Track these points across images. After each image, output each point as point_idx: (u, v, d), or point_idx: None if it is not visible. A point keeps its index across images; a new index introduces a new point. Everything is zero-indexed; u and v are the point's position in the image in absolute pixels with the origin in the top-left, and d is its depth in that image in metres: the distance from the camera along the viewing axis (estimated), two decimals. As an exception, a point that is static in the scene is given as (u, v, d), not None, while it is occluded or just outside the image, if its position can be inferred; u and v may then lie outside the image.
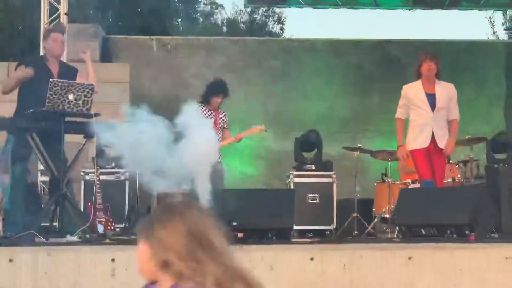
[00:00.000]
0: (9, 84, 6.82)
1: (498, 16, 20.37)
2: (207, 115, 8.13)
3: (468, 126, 9.84)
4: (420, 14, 11.31)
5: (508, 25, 20.36)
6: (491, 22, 19.89)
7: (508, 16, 20.59)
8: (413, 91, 7.26)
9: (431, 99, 7.18)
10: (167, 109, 11.00)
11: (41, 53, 8.09)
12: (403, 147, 7.29)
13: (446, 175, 8.22)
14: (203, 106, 8.09)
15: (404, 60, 11.80)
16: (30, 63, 6.79)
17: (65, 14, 10.03)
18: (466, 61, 11.67)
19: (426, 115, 7.15)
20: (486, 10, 14.06)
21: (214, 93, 8.10)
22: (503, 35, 20.39)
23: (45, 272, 5.02)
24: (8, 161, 6.60)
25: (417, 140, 7.17)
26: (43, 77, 6.52)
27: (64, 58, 9.81)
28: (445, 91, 7.24)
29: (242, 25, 23.43)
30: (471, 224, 6.11)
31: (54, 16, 10.11)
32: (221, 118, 8.22)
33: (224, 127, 8.24)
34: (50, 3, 10.12)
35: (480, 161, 8.76)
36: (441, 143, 7.13)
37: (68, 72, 6.93)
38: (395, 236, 7.32)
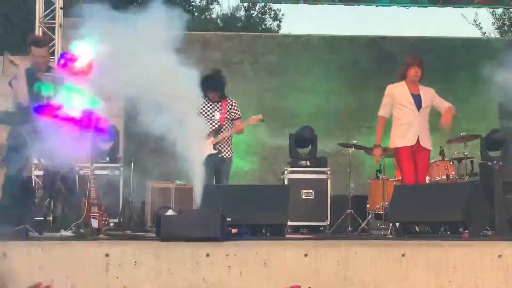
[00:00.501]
0: (22, 92, 6.77)
1: (482, 16, 20.44)
2: (209, 109, 8.10)
3: (462, 123, 9.86)
4: (414, 11, 11.28)
5: (498, 24, 20.41)
6: (477, 24, 19.94)
7: (497, 15, 20.61)
8: (399, 90, 7.52)
9: (417, 99, 7.46)
10: (160, 103, 10.94)
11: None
12: (379, 148, 7.68)
13: (440, 172, 8.25)
14: (206, 102, 8.10)
15: (399, 56, 11.77)
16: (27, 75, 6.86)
17: (61, 8, 10.02)
18: (461, 58, 11.67)
19: (412, 114, 7.41)
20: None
21: (207, 90, 7.94)
22: (494, 34, 20.41)
23: (39, 267, 5.03)
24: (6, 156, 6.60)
25: (404, 137, 7.40)
26: (32, 87, 6.59)
27: (58, 51, 9.81)
28: (428, 92, 7.57)
29: (238, 21, 23.40)
30: (465, 221, 6.13)
31: (49, 9, 10.09)
32: (228, 108, 8.16)
33: (233, 118, 8.19)
34: (45, -3, 10.09)
35: (475, 158, 8.78)
36: (425, 142, 7.40)
37: (54, 81, 6.93)
38: (389, 232, 7.34)
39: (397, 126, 7.50)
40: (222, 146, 8.13)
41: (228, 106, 8.18)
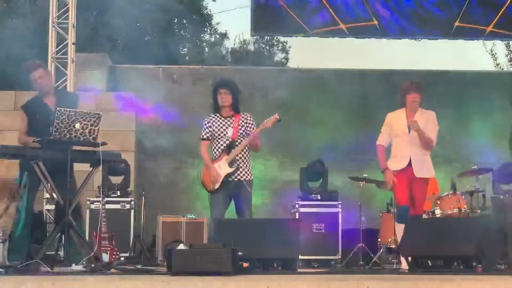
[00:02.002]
0: (24, 142, 6.85)
1: (499, 47, 20.42)
2: (219, 124, 7.18)
3: (474, 156, 9.84)
4: (425, 43, 11.33)
5: (511, 56, 20.39)
6: (492, 54, 19.92)
7: (511, 47, 20.62)
8: (396, 119, 7.45)
9: (413, 129, 7.34)
10: (171, 138, 11.01)
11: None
12: (389, 171, 7.40)
13: (451, 206, 8.21)
14: (215, 116, 7.22)
15: (409, 90, 11.82)
16: (28, 107, 6.93)
17: (73, 43, 10.13)
18: (472, 92, 11.67)
19: (404, 144, 7.34)
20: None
21: (216, 89, 7.21)
22: (506, 66, 20.41)
23: (50, 301, 5.00)
24: (19, 190, 6.64)
25: (394, 161, 7.38)
26: (42, 114, 6.67)
27: (71, 86, 9.90)
28: (423, 116, 7.39)
29: (247, 54, 23.55)
30: (478, 255, 6.09)
31: (61, 45, 10.19)
32: (243, 123, 7.16)
33: (248, 134, 7.13)
34: (58, 33, 10.21)
35: (486, 191, 8.74)
36: (418, 172, 7.28)
37: (66, 99, 6.99)
38: (401, 267, 7.28)
39: (392, 156, 7.48)
40: (240, 164, 7.12)
41: (242, 121, 7.17)
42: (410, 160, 7.29)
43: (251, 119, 7.24)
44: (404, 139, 7.34)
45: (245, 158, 7.20)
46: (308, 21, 10.98)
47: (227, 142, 7.12)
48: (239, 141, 7.13)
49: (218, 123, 7.19)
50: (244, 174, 7.15)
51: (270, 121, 7.19)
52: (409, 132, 7.32)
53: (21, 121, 6.91)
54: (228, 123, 7.17)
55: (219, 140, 7.16)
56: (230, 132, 7.12)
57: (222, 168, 7.08)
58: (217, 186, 7.05)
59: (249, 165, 7.25)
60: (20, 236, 6.61)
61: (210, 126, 7.18)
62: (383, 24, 10.99)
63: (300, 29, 11.07)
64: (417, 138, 7.31)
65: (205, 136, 7.22)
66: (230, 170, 7.06)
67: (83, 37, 15.90)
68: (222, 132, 7.15)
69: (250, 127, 7.18)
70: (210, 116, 7.26)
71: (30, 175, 6.59)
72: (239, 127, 7.14)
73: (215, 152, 7.18)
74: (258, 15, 10.94)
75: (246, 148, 7.19)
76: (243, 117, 7.20)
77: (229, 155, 7.08)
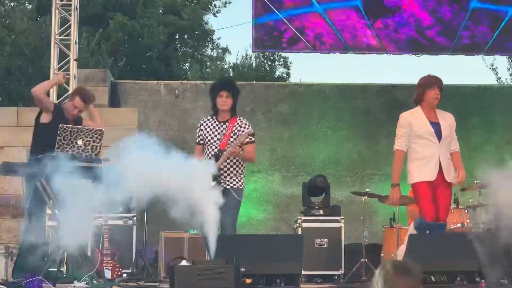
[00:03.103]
0: (43, 87, 6.99)
1: (500, 62, 20.45)
2: (213, 129, 6.71)
3: (476, 171, 9.82)
4: (425, 58, 11.37)
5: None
6: (493, 69, 19.93)
7: (513, 61, 20.66)
8: (416, 120, 6.59)
9: (437, 128, 6.57)
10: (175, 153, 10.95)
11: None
12: (398, 188, 6.67)
13: (454, 221, 8.19)
14: (210, 120, 6.77)
15: (411, 104, 11.82)
16: (59, 110, 7.02)
17: (75, 60, 10.15)
18: (473, 105, 11.69)
19: (433, 146, 6.51)
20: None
21: (215, 94, 6.69)
22: (507, 81, 20.41)
23: (53, 319, 4.99)
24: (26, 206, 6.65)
25: (423, 172, 6.49)
26: (58, 124, 6.68)
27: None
28: (447, 119, 6.67)
29: (248, 69, 23.61)
30: (482, 270, 6.06)
31: (64, 61, 10.23)
32: (235, 131, 6.63)
33: (243, 143, 6.56)
34: (60, 49, 10.24)
35: (489, 206, 8.72)
36: (448, 175, 6.54)
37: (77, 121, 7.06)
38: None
39: (414, 160, 6.54)
40: (228, 172, 6.61)
41: (236, 128, 6.63)
42: (440, 165, 6.47)
43: (246, 124, 6.69)
44: (431, 140, 6.49)
45: (235, 165, 6.63)
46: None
47: (217, 149, 6.61)
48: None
49: (212, 127, 6.70)
50: (232, 182, 6.61)
51: (243, 137, 6.54)
52: (436, 133, 6.49)
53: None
54: (222, 128, 6.66)
55: (209, 146, 6.67)
56: (221, 139, 6.61)
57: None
58: None
59: (241, 172, 6.68)
60: (24, 252, 6.60)
61: (202, 130, 6.74)
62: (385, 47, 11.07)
63: (301, 46, 11.11)
64: (448, 143, 6.55)
65: (196, 140, 6.87)
66: (212, 183, 6.34)
67: (85, 53, 15.96)
68: (213, 138, 6.67)
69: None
70: (205, 118, 6.83)
71: (34, 191, 6.59)
72: (232, 134, 6.61)
73: (206, 158, 6.68)
74: (259, 31, 10.98)
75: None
76: (238, 123, 6.67)
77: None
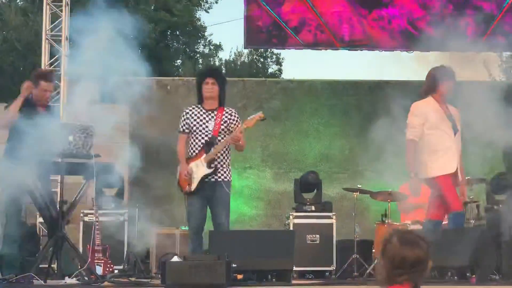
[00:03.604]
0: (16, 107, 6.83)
1: (491, 58, 20.48)
2: (201, 117, 6.61)
3: (467, 166, 9.83)
4: (417, 55, 11.37)
5: (505, 66, 20.48)
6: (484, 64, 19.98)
7: (504, 57, 20.72)
8: (432, 110, 6.33)
9: (452, 120, 6.41)
10: (166, 150, 10.99)
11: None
12: (418, 181, 6.40)
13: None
14: (195, 108, 6.68)
15: (402, 100, 11.83)
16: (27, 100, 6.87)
17: (66, 56, 10.12)
18: (464, 101, 11.69)
19: (448, 139, 6.33)
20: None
21: (201, 79, 6.66)
22: (499, 77, 20.48)
23: (44, 315, 4.98)
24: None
25: (443, 165, 6.30)
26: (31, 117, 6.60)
27: (64, 98, 9.89)
28: (457, 114, 6.51)
29: (241, 66, 23.60)
30: (472, 266, 6.08)
31: (55, 57, 10.19)
32: (226, 118, 6.57)
33: (231, 131, 6.54)
34: (51, 45, 10.21)
35: (480, 202, 8.74)
36: (461, 174, 6.42)
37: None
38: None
39: (431, 152, 6.31)
40: (219, 164, 6.55)
41: (226, 116, 6.56)
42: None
43: (236, 115, 6.65)
44: (446, 132, 6.29)
45: (224, 157, 6.60)
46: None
47: (208, 137, 6.53)
48: (220, 137, 6.53)
49: (199, 115, 6.59)
50: (222, 175, 6.55)
51: (253, 120, 6.54)
52: (452, 126, 6.32)
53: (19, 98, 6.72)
54: (210, 116, 6.56)
55: (198, 135, 6.57)
56: (211, 126, 6.51)
57: (200, 168, 6.50)
58: (193, 187, 6.51)
59: (229, 165, 6.65)
60: (7, 250, 6.54)
61: (188, 118, 6.64)
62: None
63: (293, 42, 11.10)
64: (458, 132, 6.39)
65: (181, 129, 6.69)
66: (208, 171, 6.47)
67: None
68: (202, 126, 6.56)
69: (234, 124, 6.58)
70: (189, 107, 6.71)
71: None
72: (222, 122, 6.52)
73: (193, 148, 6.63)
74: (251, 27, 10.96)
75: (228, 146, 6.58)
76: (227, 112, 6.60)
77: (208, 154, 6.49)
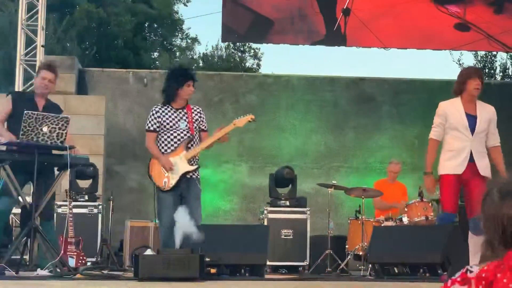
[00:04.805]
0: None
1: (467, 57, 20.66)
2: (172, 116, 6.63)
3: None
4: (393, 52, 11.44)
5: (479, 66, 20.62)
6: (460, 64, 20.13)
7: (479, 57, 20.88)
8: (453, 110, 6.44)
9: (472, 121, 6.41)
10: (142, 142, 11.01)
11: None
12: (431, 176, 6.49)
13: (419, 213, 8.26)
14: (165, 107, 6.67)
15: (378, 98, 11.93)
16: (18, 98, 6.81)
17: (42, 46, 10.05)
18: (440, 100, 11.76)
19: (464, 139, 6.37)
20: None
21: (182, 82, 6.62)
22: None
23: (15, 306, 4.95)
24: None
25: (450, 165, 6.37)
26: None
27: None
28: (485, 113, 6.47)
29: (218, 60, 23.58)
30: (444, 263, 6.13)
31: (30, 47, 10.12)
32: (195, 117, 6.68)
33: (201, 129, 6.70)
34: (27, 35, 10.13)
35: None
36: (483, 170, 6.34)
37: (52, 109, 6.89)
38: (368, 273, 7.32)
39: (446, 151, 6.42)
40: (196, 162, 6.65)
41: (194, 113, 6.68)
42: (471, 158, 6.32)
43: (203, 113, 6.76)
44: (463, 133, 6.35)
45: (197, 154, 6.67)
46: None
47: (183, 136, 6.56)
48: (196, 136, 6.63)
49: (170, 114, 6.62)
50: (196, 172, 6.63)
51: (243, 120, 6.74)
52: (471, 127, 6.35)
53: (4, 106, 6.68)
54: (180, 115, 6.63)
55: (169, 133, 6.58)
56: (183, 125, 6.58)
57: (180, 165, 6.49)
58: (173, 183, 6.48)
59: (198, 161, 6.69)
60: None
61: (159, 117, 6.62)
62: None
63: (271, 37, 11.11)
64: (482, 137, 6.39)
65: (152, 128, 6.62)
66: (190, 168, 6.52)
67: (53, 39, 15.80)
68: (174, 125, 6.59)
69: (202, 122, 6.70)
70: (159, 106, 6.68)
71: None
72: (193, 120, 6.62)
73: (167, 145, 6.59)
74: (229, 21, 10.95)
75: (197, 137, 6.66)
76: (195, 110, 6.71)
77: (189, 151, 6.52)
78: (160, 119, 6.62)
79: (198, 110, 6.72)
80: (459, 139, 6.36)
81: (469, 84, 6.39)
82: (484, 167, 6.32)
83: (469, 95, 6.41)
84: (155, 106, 6.75)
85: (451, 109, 6.44)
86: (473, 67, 6.62)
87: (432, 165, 6.47)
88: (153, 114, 6.65)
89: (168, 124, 6.60)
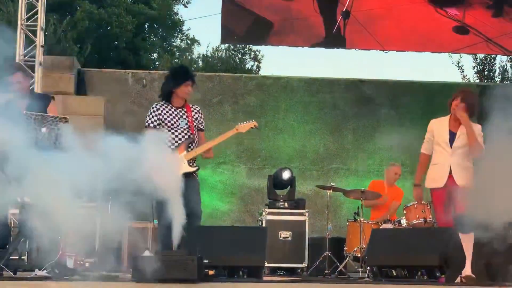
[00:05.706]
0: None
1: (466, 60, 20.63)
2: (172, 115, 6.63)
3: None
4: (393, 55, 11.44)
5: (478, 68, 20.61)
6: (459, 66, 20.13)
7: (478, 59, 20.86)
8: (438, 127, 6.98)
9: (453, 137, 6.88)
10: (141, 143, 10.88)
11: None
12: (419, 189, 7.12)
13: (417, 216, 8.26)
14: (165, 105, 6.66)
15: (377, 100, 11.93)
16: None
17: (41, 46, 10.04)
18: (439, 102, 11.78)
19: (445, 154, 6.85)
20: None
21: (180, 81, 6.64)
22: (473, 78, 20.62)
23: (12, 307, 4.95)
24: None
25: (431, 178, 6.89)
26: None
27: (39, 89, 9.82)
28: (474, 129, 6.83)
29: (218, 61, 23.57)
30: (442, 266, 6.13)
31: (30, 47, 10.11)
32: (194, 115, 6.69)
33: (199, 128, 6.70)
34: (26, 35, 10.12)
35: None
36: (460, 180, 6.69)
37: (39, 101, 6.86)
38: (367, 276, 7.32)
39: (431, 165, 6.95)
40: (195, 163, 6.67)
41: (194, 113, 6.69)
42: (450, 171, 6.77)
43: (201, 112, 6.78)
44: (444, 148, 6.87)
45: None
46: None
47: (184, 135, 6.57)
48: (196, 135, 6.64)
49: (170, 112, 6.61)
50: (196, 172, 6.65)
51: (246, 126, 6.83)
52: (450, 142, 6.84)
53: None
54: (180, 114, 6.63)
55: (172, 130, 6.56)
56: (183, 123, 6.58)
57: (182, 166, 6.42)
58: None
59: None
60: None
61: (160, 114, 6.60)
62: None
63: (271, 39, 11.11)
64: (460, 148, 6.83)
65: (152, 125, 6.60)
66: (191, 169, 6.52)
67: (52, 40, 15.79)
68: (175, 123, 6.59)
69: (201, 121, 6.72)
70: (160, 103, 6.66)
71: None
72: (193, 120, 6.63)
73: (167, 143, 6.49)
74: (228, 22, 10.94)
75: (196, 137, 6.65)
76: (194, 110, 6.71)
77: (190, 152, 6.52)
78: (161, 116, 6.60)
79: (197, 110, 6.74)
80: (440, 154, 6.87)
81: (452, 104, 6.94)
82: (462, 178, 6.70)
83: (452, 114, 6.93)
84: (156, 103, 6.74)
85: (437, 126, 7.00)
86: (464, 89, 7.44)
87: (421, 177, 7.03)
88: (154, 111, 6.63)
89: (169, 122, 6.58)
